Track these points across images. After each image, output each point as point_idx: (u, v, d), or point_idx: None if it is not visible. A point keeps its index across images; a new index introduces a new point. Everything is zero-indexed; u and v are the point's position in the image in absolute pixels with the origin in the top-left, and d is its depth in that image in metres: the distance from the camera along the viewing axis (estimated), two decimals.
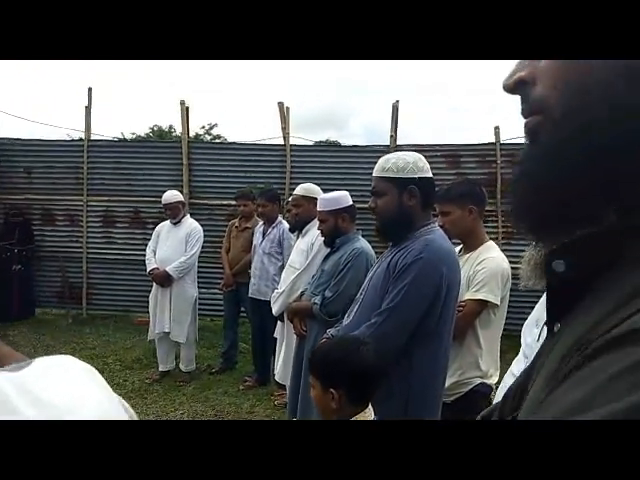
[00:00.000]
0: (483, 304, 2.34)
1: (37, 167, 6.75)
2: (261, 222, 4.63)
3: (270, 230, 4.49)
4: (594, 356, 0.32)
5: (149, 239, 5.01)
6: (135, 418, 0.43)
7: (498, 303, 2.35)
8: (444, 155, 6.18)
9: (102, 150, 6.76)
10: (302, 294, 3.23)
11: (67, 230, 6.81)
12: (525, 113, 0.41)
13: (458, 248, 2.49)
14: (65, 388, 0.34)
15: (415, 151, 2.18)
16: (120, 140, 8.32)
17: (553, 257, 0.40)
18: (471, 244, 2.48)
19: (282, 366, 3.39)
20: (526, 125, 0.41)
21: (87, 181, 6.65)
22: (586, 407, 0.28)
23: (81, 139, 6.86)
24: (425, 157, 2.02)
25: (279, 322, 3.63)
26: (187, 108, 6.69)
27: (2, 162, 6.78)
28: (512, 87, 0.41)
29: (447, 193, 2.48)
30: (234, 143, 7.14)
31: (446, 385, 2.13)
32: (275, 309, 3.53)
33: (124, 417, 0.39)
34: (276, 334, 3.73)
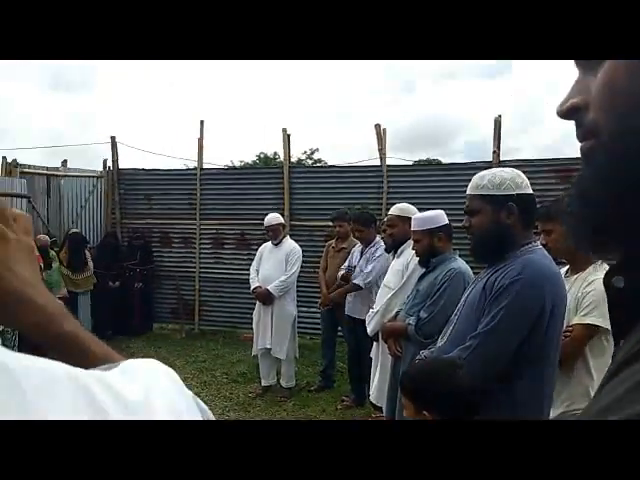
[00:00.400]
0: (593, 329, 2.16)
1: (156, 194, 7.47)
2: (358, 243, 4.70)
3: (367, 250, 4.53)
4: (631, 361, 0.33)
5: (253, 259, 5.29)
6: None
7: (609, 328, 2.16)
8: (555, 170, 5.82)
9: (213, 178, 7.32)
10: (397, 314, 3.21)
11: (182, 251, 7.42)
12: (580, 138, 0.42)
13: (564, 269, 2.34)
14: (143, 385, 0.37)
15: (521, 167, 2.11)
16: (229, 168, 8.92)
17: (613, 274, 0.40)
18: (578, 264, 2.31)
19: (377, 387, 3.37)
20: (581, 149, 0.42)
21: (200, 206, 7.21)
22: (616, 407, 0.30)
23: (195, 168, 7.49)
24: (533, 172, 1.94)
25: (375, 342, 3.63)
26: (289, 136, 7.02)
27: (126, 190, 7.60)
28: (565, 114, 0.42)
29: (549, 210, 2.35)
30: (332, 166, 7.35)
31: (551, 416, 1.99)
32: (370, 329, 3.54)
33: (197, 417, 0.41)
34: (372, 354, 3.73)
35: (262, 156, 23.37)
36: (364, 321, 3.83)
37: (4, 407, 0.27)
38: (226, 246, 7.21)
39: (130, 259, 7.22)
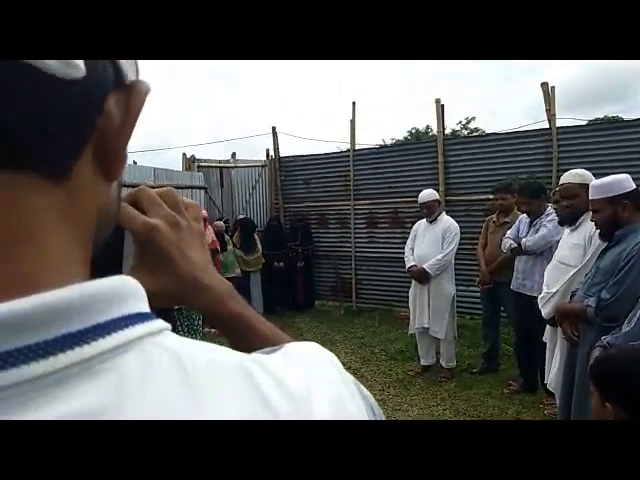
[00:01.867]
0: None
1: (313, 178, 7.80)
2: (523, 215, 4.30)
3: (538, 221, 4.12)
4: None
5: (407, 236, 5.21)
6: (375, 407, 0.42)
7: None
8: None
9: (365, 158, 7.37)
10: (572, 295, 2.87)
11: (338, 232, 7.66)
12: None
13: None
14: (305, 371, 0.37)
15: None
16: (381, 147, 8.89)
17: None
18: None
19: (556, 374, 3.07)
20: None
21: (353, 187, 7.34)
22: None
23: (348, 150, 7.62)
24: None
25: (549, 326, 3.31)
26: (442, 106, 6.71)
27: (286, 176, 8.07)
28: None
29: None
30: (491, 134, 6.83)
31: None
32: (545, 312, 3.21)
33: (360, 404, 0.39)
34: (545, 338, 3.40)
35: (414, 131, 22.89)
36: (533, 298, 3.51)
37: (172, 401, 0.28)
38: (380, 225, 7.24)
39: (292, 240, 7.69)
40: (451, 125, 20.75)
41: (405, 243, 5.16)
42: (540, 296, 3.32)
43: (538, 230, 4.04)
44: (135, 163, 7.70)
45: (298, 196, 8.01)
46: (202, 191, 7.37)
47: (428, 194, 4.80)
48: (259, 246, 7.25)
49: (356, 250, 7.46)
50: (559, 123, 5.94)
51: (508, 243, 4.21)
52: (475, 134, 15.59)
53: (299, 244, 7.68)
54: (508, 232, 4.33)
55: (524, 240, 4.06)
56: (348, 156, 7.44)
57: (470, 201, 6.39)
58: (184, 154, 7.99)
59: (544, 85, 5.96)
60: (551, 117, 5.91)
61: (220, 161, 8.04)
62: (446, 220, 4.82)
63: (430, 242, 4.76)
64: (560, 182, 3.36)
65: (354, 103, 7.34)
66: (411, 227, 5.26)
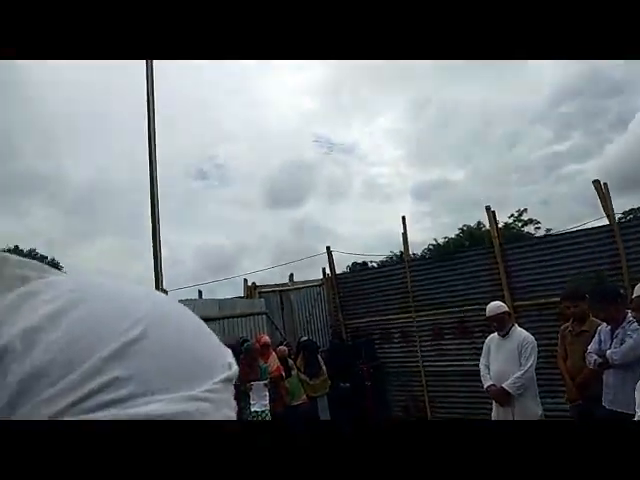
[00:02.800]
0: None
1: (370, 292, 7.79)
2: (602, 325, 4.04)
3: (619, 330, 3.85)
4: None
5: (478, 348, 4.97)
6: None
7: None
8: None
9: (422, 267, 7.36)
10: None
11: (403, 346, 7.44)
12: None
13: None
14: None
15: None
16: (433, 248, 8.90)
17: None
18: None
19: None
20: None
21: (413, 298, 7.25)
22: None
23: (402, 259, 7.66)
24: None
25: None
26: (493, 212, 6.73)
27: (344, 293, 8.11)
28: None
29: None
30: (549, 235, 6.71)
31: None
32: None
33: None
34: None
35: (465, 228, 22.82)
36: (630, 416, 3.16)
37: None
38: (446, 337, 6.98)
39: (356, 358, 7.50)
40: (502, 217, 20.62)
41: (476, 354, 4.91)
42: (636, 418, 2.98)
43: (622, 340, 3.76)
44: (200, 295, 8.03)
45: (358, 312, 7.97)
46: (264, 316, 7.49)
47: (496, 307, 4.64)
48: (324, 368, 7.09)
49: (424, 365, 7.16)
50: (617, 207, 5.80)
51: (593, 359, 3.92)
52: (531, 233, 15.33)
53: (364, 362, 7.47)
54: (589, 347, 4.04)
55: (609, 353, 3.77)
56: (404, 267, 7.46)
57: (539, 305, 6.11)
58: (245, 280, 8.28)
59: (596, 183, 5.92)
60: (610, 212, 5.77)
61: (279, 285, 8.25)
62: (519, 333, 4.59)
63: (506, 358, 4.50)
64: (636, 293, 3.18)
65: (404, 217, 7.52)
66: (480, 337, 5.05)
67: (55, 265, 23.18)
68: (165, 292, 8.97)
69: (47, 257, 22.85)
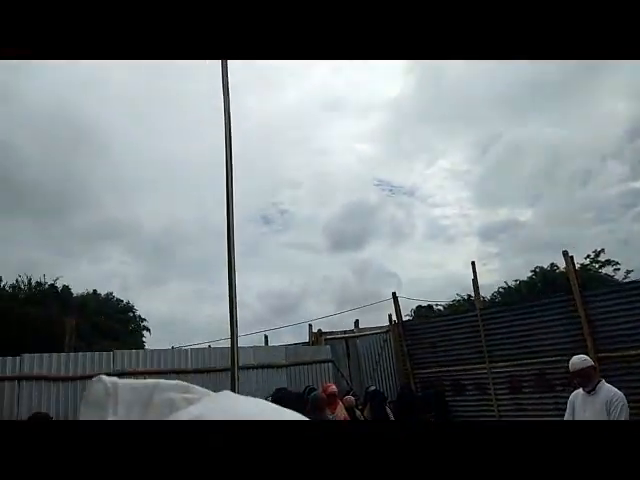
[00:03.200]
0: None
1: (441, 341, 7.50)
2: None
3: None
4: None
5: (561, 403, 4.61)
6: None
7: None
8: None
9: (496, 316, 7.02)
10: None
11: (477, 398, 7.04)
12: None
13: None
14: None
15: None
16: (501, 293, 8.52)
17: None
18: None
19: None
20: None
21: (487, 348, 6.90)
22: None
23: (474, 308, 7.37)
24: None
25: None
26: (571, 258, 6.38)
27: (412, 341, 7.87)
28: None
29: None
30: (635, 281, 6.23)
31: None
32: None
33: None
34: None
35: (538, 270, 21.75)
36: None
37: None
38: (525, 390, 6.54)
39: (426, 410, 7.18)
40: (578, 259, 19.47)
41: (558, 409, 4.55)
42: None
43: None
44: (267, 340, 8.09)
45: (427, 360, 7.68)
46: (330, 364, 7.40)
47: (581, 361, 4.29)
48: (391, 418, 6.84)
49: (501, 419, 6.71)
50: None
51: None
52: (611, 276, 14.35)
53: (434, 414, 7.13)
54: None
55: None
56: (475, 315, 7.16)
57: (628, 357, 5.61)
58: (310, 325, 8.28)
59: None
60: None
61: (345, 331, 8.17)
62: (607, 389, 4.20)
63: (593, 416, 4.12)
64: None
65: (473, 263, 7.29)
66: (562, 391, 4.68)
67: (130, 308, 24.36)
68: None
69: (122, 300, 24.04)
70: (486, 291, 19.75)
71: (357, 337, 8.15)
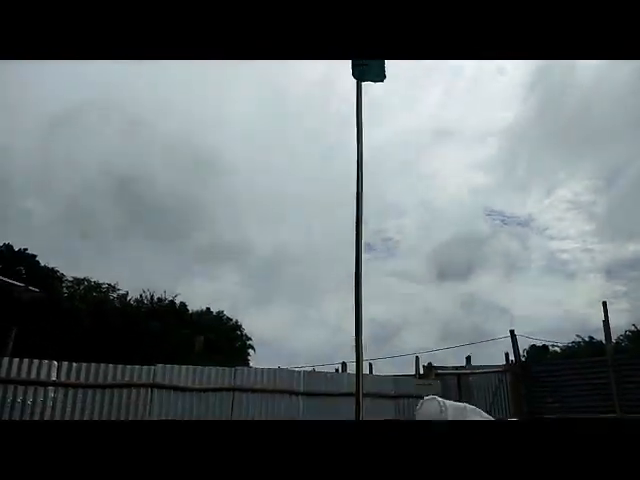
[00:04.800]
0: None
1: (563, 386, 6.92)
2: None
3: None
4: None
5: None
6: None
7: None
8: None
9: (627, 360, 6.36)
10: None
11: None
12: None
13: None
14: None
15: None
16: (629, 337, 7.69)
17: None
18: None
19: None
20: None
21: (618, 399, 6.25)
22: None
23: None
24: None
25: None
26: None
27: (532, 383, 7.35)
28: None
29: None
30: None
31: None
32: None
33: None
34: None
35: (579, 340, 19.14)
36: None
37: None
38: None
39: None
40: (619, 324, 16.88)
41: None
42: None
43: None
44: (371, 369, 8.06)
45: (547, 406, 7.12)
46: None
47: None
48: None
49: None
50: None
51: None
52: None
53: None
54: None
55: None
56: (606, 361, 6.54)
57: None
58: (417, 357, 8.11)
59: None
60: None
61: (457, 367, 7.88)
62: None
63: None
64: None
65: (605, 303, 6.70)
66: None
67: (238, 327, 25.58)
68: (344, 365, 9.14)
69: (232, 319, 25.32)
70: (612, 334, 17.83)
71: (470, 374, 7.81)
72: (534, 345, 15.80)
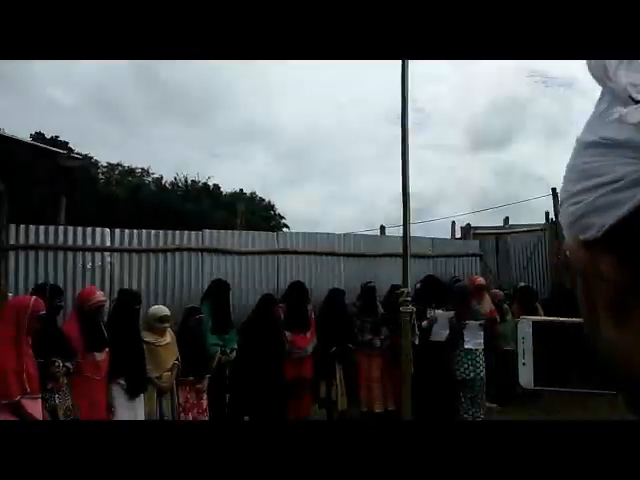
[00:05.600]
0: None
1: None
2: None
3: None
4: None
5: None
6: None
7: None
8: None
9: None
10: None
11: None
12: None
13: None
14: None
15: None
16: None
17: None
18: None
19: None
20: None
21: None
22: None
23: None
24: None
25: None
26: None
27: None
28: None
29: None
30: None
31: None
32: None
33: None
34: None
35: None
36: None
37: None
38: None
39: (579, 311, 6.88)
40: None
41: None
42: None
43: None
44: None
45: None
46: (477, 259, 7.31)
47: None
48: (542, 316, 6.69)
49: None
50: None
51: None
52: None
53: None
54: None
55: None
56: None
57: None
58: (453, 222, 8.16)
59: None
60: None
61: (495, 228, 7.91)
62: None
63: None
64: None
65: None
66: None
67: (271, 207, 26.09)
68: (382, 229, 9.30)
69: (264, 199, 25.77)
70: None
71: (508, 234, 7.86)
72: None
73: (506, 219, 8.06)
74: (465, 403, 5.64)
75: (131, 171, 22.53)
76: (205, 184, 23.41)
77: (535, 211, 7.81)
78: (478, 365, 5.64)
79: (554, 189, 7.37)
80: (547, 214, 7.71)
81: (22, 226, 4.88)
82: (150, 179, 23.02)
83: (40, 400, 3.11)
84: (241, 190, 24.92)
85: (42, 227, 4.97)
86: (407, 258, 2.88)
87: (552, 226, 7.59)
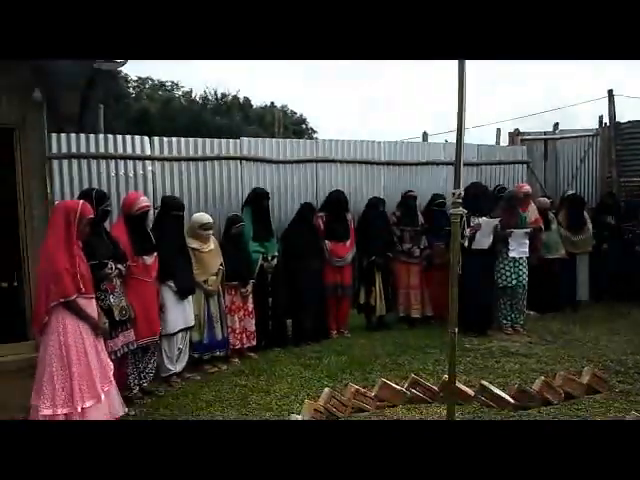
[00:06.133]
0: None
1: None
2: None
3: None
4: None
5: None
6: None
7: None
8: None
9: None
10: None
11: None
12: None
13: None
14: None
15: None
16: None
17: None
18: None
19: None
20: None
21: None
22: None
23: None
24: None
25: None
26: None
27: (624, 146, 6.92)
28: None
29: None
30: None
31: None
32: None
33: None
34: None
35: None
36: None
37: None
38: None
39: (628, 219, 6.63)
40: None
41: None
42: None
43: None
44: (446, 141, 7.86)
45: (638, 169, 6.81)
46: (524, 166, 6.99)
47: None
48: (589, 226, 6.48)
49: None
50: None
51: None
52: None
53: (636, 224, 6.57)
54: None
55: None
56: None
57: None
58: (498, 129, 7.75)
59: None
60: None
61: (545, 133, 7.47)
62: None
63: None
64: None
65: None
66: None
67: (302, 120, 25.48)
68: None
69: (296, 113, 25.11)
70: None
71: (558, 139, 7.43)
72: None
73: (556, 124, 7.59)
74: (505, 309, 5.67)
75: (162, 85, 22.09)
76: (235, 97, 22.84)
77: (592, 119, 7.28)
78: (521, 274, 5.59)
79: (610, 90, 6.82)
80: (600, 118, 7.21)
81: (63, 135, 4.86)
82: (180, 93, 22.58)
83: (94, 300, 3.23)
84: (272, 103, 24.27)
85: (83, 135, 4.94)
86: (460, 162, 2.74)
87: (605, 130, 7.12)
